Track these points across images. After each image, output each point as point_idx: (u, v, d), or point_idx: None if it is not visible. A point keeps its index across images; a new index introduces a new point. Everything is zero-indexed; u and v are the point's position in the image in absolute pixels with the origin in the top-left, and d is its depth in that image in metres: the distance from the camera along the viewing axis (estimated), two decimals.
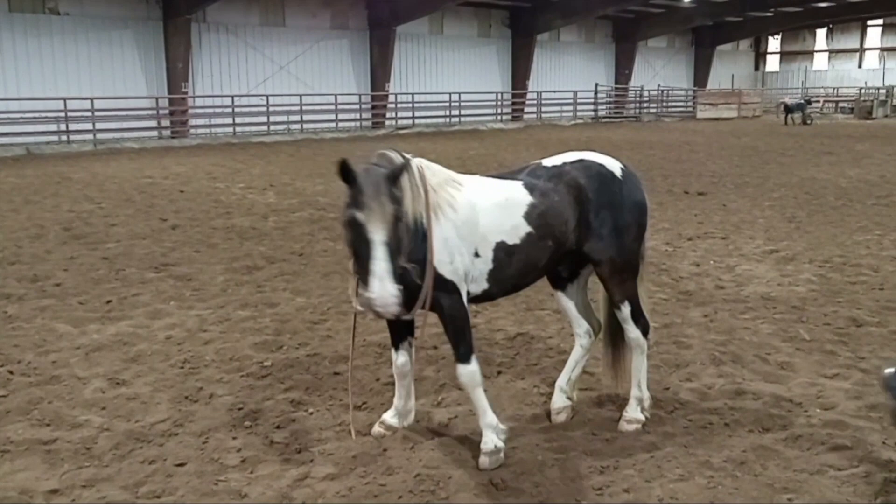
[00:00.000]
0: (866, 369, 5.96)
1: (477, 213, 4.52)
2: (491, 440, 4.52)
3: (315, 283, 8.71)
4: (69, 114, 26.31)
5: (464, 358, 4.50)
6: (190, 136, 29.30)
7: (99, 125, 27.20)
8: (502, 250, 4.59)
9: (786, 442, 4.78)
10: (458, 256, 4.43)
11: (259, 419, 5.15)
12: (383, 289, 3.75)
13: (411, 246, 4.18)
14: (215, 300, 8.01)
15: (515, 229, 4.62)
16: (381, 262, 3.79)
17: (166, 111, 29.53)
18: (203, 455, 4.65)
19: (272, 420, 5.14)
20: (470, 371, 4.50)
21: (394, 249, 3.88)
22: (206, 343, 6.68)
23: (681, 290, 8.36)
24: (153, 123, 29.29)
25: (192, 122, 30.02)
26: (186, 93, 29.20)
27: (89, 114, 26.76)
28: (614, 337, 5.25)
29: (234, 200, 14.61)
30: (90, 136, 26.80)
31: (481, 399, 4.58)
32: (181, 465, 4.53)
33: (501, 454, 4.51)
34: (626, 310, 4.97)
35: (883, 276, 8.78)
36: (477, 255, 4.51)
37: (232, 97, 30.48)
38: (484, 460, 4.47)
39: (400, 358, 4.87)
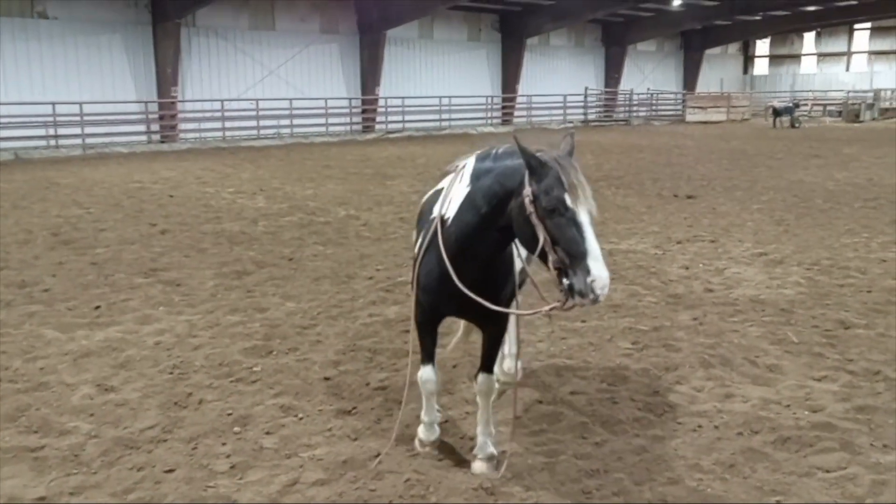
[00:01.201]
0: (854, 371, 5.99)
1: None
2: (488, 447, 4.53)
3: (305, 287, 8.69)
4: (58, 118, 26.18)
5: (491, 367, 4.53)
6: (180, 140, 29.22)
7: (88, 130, 27.07)
8: None
9: (774, 444, 4.80)
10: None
11: (248, 425, 5.14)
12: (602, 270, 3.55)
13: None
14: (204, 305, 7.98)
15: None
16: (595, 244, 3.59)
17: (156, 115, 29.43)
18: (192, 461, 4.64)
19: (262, 426, 5.12)
20: (493, 380, 4.55)
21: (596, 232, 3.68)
22: (195, 348, 6.66)
23: (670, 293, 8.38)
24: (142, 128, 29.19)
25: (182, 126, 29.94)
26: (176, 97, 29.11)
27: (78, 118, 26.63)
28: None
29: (224, 205, 14.57)
30: (79, 141, 26.67)
31: (489, 408, 4.59)
32: (170, 471, 4.52)
33: (496, 461, 4.52)
34: None
35: (870, 279, 8.83)
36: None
37: (222, 101, 30.40)
38: (480, 466, 4.47)
39: (436, 374, 4.62)
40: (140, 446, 4.83)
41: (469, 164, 4.17)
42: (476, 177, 4.03)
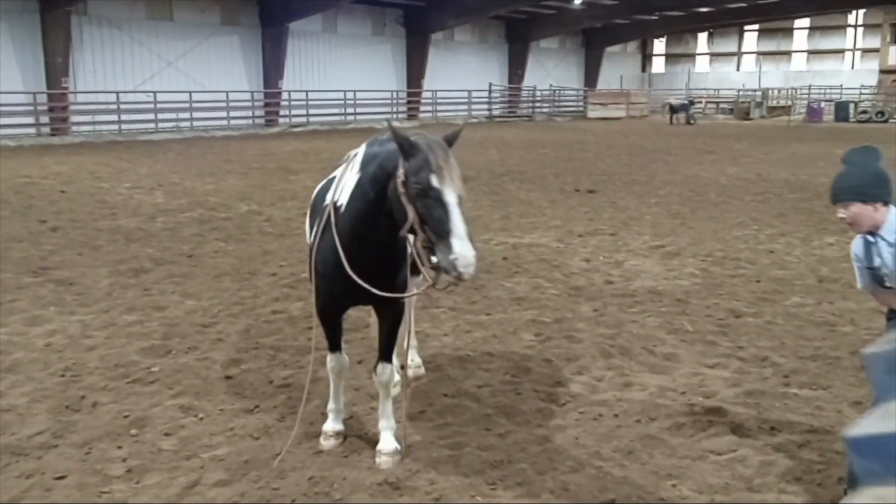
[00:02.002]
0: (744, 358, 6.26)
1: None
2: (392, 441, 4.53)
3: (205, 285, 8.48)
4: None
5: (390, 356, 4.56)
6: (72, 133, 28.03)
7: None
8: None
9: (670, 430, 4.96)
10: None
11: (146, 426, 4.98)
12: (469, 248, 3.61)
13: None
14: (99, 305, 7.68)
15: None
16: (461, 225, 3.65)
17: (45, 107, 28.13)
18: (85, 466, 4.46)
19: (160, 427, 4.97)
20: (393, 370, 4.57)
21: (463, 213, 3.74)
22: (89, 349, 6.40)
23: (572, 285, 8.56)
24: (31, 120, 27.85)
25: (74, 118, 28.72)
26: (67, 88, 27.90)
27: None
28: None
29: (120, 201, 14.06)
30: None
31: (390, 400, 4.59)
32: (61, 477, 4.33)
33: (399, 455, 4.52)
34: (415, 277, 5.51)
35: (759, 269, 9.24)
36: None
37: (117, 93, 29.32)
38: (386, 460, 4.46)
39: (344, 358, 4.73)
40: (28, 453, 4.61)
41: (360, 151, 4.28)
42: (364, 163, 4.13)
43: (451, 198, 3.70)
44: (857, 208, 3.93)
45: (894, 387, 3.28)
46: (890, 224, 3.93)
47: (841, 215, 4.01)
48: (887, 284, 3.98)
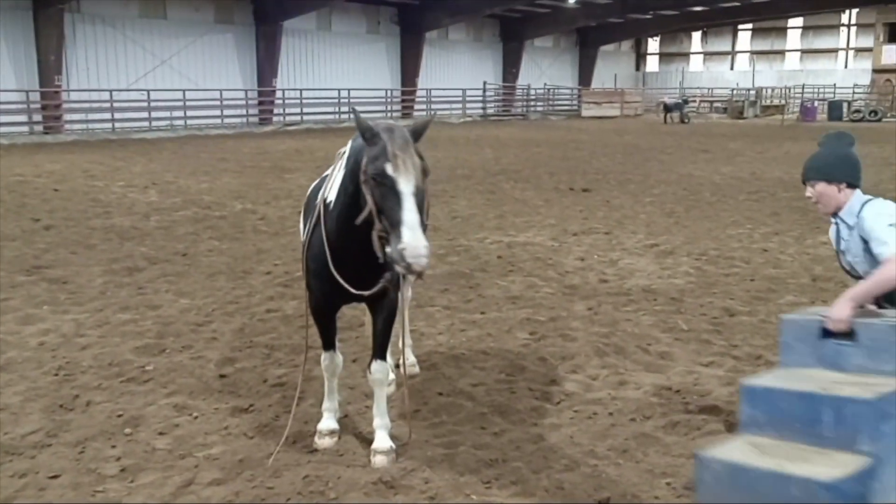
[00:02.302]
0: (738, 356, 6.27)
1: None
2: (386, 439, 4.53)
3: (199, 283, 8.46)
4: None
5: (384, 355, 4.54)
6: (65, 131, 27.96)
7: None
8: None
9: (665, 429, 4.96)
10: None
11: (140, 426, 4.96)
12: (416, 238, 3.54)
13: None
14: (93, 303, 7.66)
15: None
16: (411, 213, 3.60)
17: (38, 105, 28.03)
18: (79, 466, 4.44)
19: (154, 426, 4.95)
20: (387, 368, 4.56)
21: (420, 204, 3.71)
22: (82, 348, 6.38)
23: (566, 284, 8.56)
24: (24, 118, 27.77)
25: (67, 117, 28.66)
26: (60, 86, 27.81)
27: None
28: None
29: (114, 199, 14.03)
30: None
31: (384, 398, 4.59)
32: (55, 477, 4.31)
33: (394, 454, 4.52)
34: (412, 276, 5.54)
35: (753, 268, 9.25)
36: None
37: (110, 91, 29.25)
38: (381, 459, 4.46)
39: (338, 357, 4.73)
40: (22, 452, 4.59)
41: (348, 148, 4.28)
42: (348, 159, 4.15)
43: (405, 187, 3.66)
44: (822, 188, 4.09)
45: (800, 352, 3.74)
46: (851, 207, 4.04)
47: (808, 194, 4.18)
48: (856, 273, 4.04)
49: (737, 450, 3.44)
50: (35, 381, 5.68)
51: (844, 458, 3.21)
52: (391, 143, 3.72)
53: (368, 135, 3.80)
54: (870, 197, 4.07)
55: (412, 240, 3.53)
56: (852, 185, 4.06)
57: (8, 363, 6.02)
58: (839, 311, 3.72)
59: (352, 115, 3.90)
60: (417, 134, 3.95)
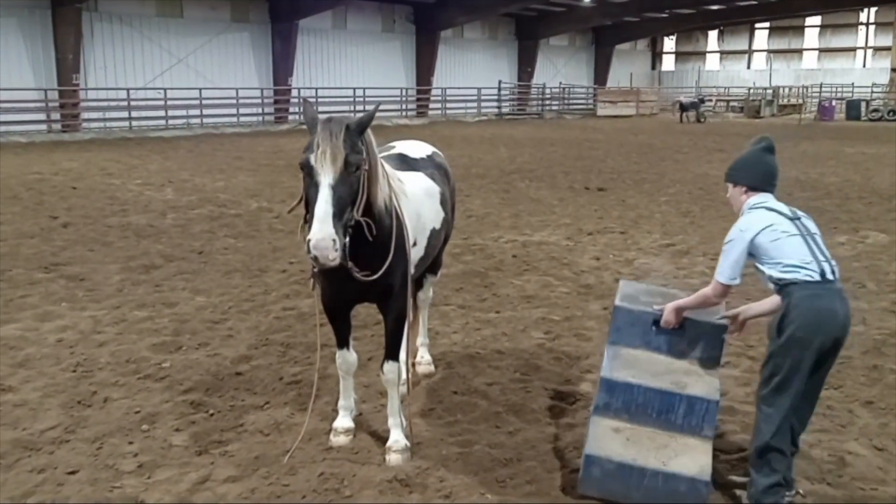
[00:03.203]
0: (754, 357, 6.23)
1: (417, 202, 4.58)
2: (401, 438, 4.54)
3: (215, 281, 8.50)
4: None
5: (396, 355, 4.54)
6: (82, 130, 28.11)
7: None
8: (433, 237, 4.74)
9: None
10: (413, 246, 4.43)
11: (157, 422, 5.00)
12: (321, 230, 3.57)
13: (392, 227, 4.15)
14: (110, 301, 7.72)
15: (438, 215, 4.81)
16: (323, 205, 3.62)
17: (56, 104, 28.22)
18: (97, 461, 4.48)
19: (171, 423, 4.99)
20: (398, 369, 4.56)
21: (343, 197, 3.71)
22: (100, 345, 6.44)
23: (581, 283, 8.54)
24: (42, 116, 27.95)
25: (85, 115, 28.80)
26: (78, 85, 27.99)
27: None
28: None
29: (131, 197, 14.11)
30: None
31: (398, 397, 4.60)
32: (73, 472, 4.35)
33: (409, 452, 4.53)
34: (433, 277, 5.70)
35: None
36: (415, 243, 4.52)
37: (127, 90, 29.39)
38: (396, 457, 4.47)
39: (351, 355, 4.73)
40: (41, 447, 4.64)
41: None
42: None
43: (322, 178, 3.70)
44: (730, 190, 4.21)
45: (630, 335, 4.26)
46: (743, 210, 4.11)
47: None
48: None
49: (618, 445, 4.00)
50: (53, 377, 5.74)
51: (696, 443, 3.98)
52: (320, 135, 3.76)
53: (309, 125, 3.87)
54: (758, 203, 4.05)
55: (318, 232, 3.59)
56: (754, 189, 4.07)
57: (27, 359, 6.08)
58: (668, 317, 4.13)
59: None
60: (362, 125, 3.94)
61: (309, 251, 3.60)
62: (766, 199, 4.05)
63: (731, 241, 3.98)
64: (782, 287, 3.86)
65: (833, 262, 3.90)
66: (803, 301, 3.77)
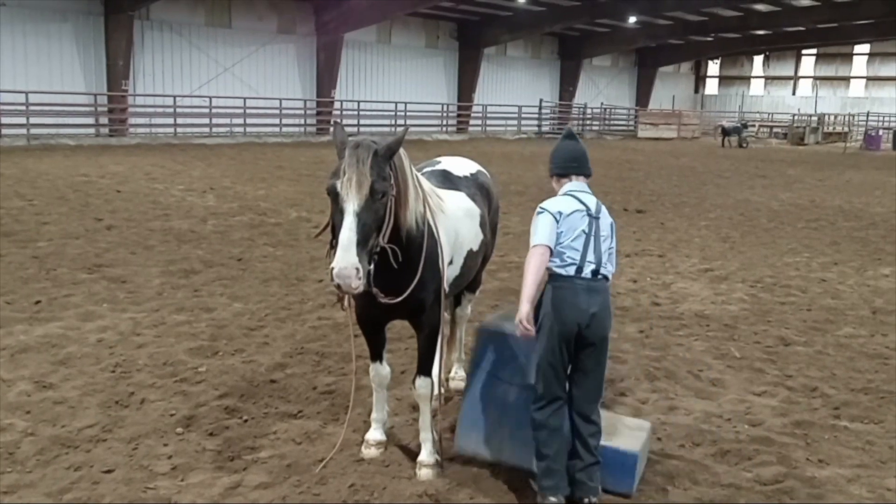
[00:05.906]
0: (793, 387, 6.14)
1: (456, 221, 4.58)
2: (432, 453, 4.53)
3: (253, 288, 8.59)
4: (2, 107, 25.46)
5: (428, 370, 4.53)
6: (129, 135, 28.65)
7: (33, 120, 26.34)
8: (469, 258, 4.73)
9: (714, 457, 4.88)
10: (448, 265, 4.45)
11: (192, 426, 5.06)
12: (344, 259, 3.55)
13: (423, 247, 4.15)
14: (150, 303, 7.84)
15: (476, 237, 4.80)
16: (347, 232, 3.60)
17: (105, 108, 28.83)
18: (132, 462, 4.54)
19: (205, 427, 5.04)
20: (430, 384, 4.55)
21: (368, 224, 3.68)
22: (139, 347, 6.54)
23: (618, 305, 8.47)
24: (91, 120, 28.55)
25: (132, 120, 29.36)
26: (126, 90, 28.56)
27: (23, 108, 25.93)
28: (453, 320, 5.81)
29: (173, 202, 14.34)
30: (23, 131, 25.96)
31: (429, 412, 4.60)
32: (109, 471, 4.42)
33: (440, 468, 4.52)
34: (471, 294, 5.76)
35: (810, 297, 9.06)
36: (451, 262, 4.53)
37: (174, 97, 29.94)
38: (426, 472, 4.46)
39: (384, 369, 4.73)
40: (78, 445, 4.72)
41: None
42: None
43: (347, 205, 3.67)
44: (552, 181, 4.40)
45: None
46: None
47: None
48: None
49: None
50: (93, 376, 5.83)
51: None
52: (347, 161, 3.73)
53: (338, 149, 3.86)
54: (570, 191, 4.22)
55: (341, 260, 3.57)
56: (563, 175, 4.31)
57: (68, 357, 6.19)
58: (522, 313, 4.02)
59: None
60: (390, 151, 3.88)
61: (332, 279, 3.60)
62: (580, 188, 4.26)
63: (536, 216, 4.12)
64: (549, 272, 4.08)
65: (603, 265, 4.11)
66: (548, 291, 4.09)
